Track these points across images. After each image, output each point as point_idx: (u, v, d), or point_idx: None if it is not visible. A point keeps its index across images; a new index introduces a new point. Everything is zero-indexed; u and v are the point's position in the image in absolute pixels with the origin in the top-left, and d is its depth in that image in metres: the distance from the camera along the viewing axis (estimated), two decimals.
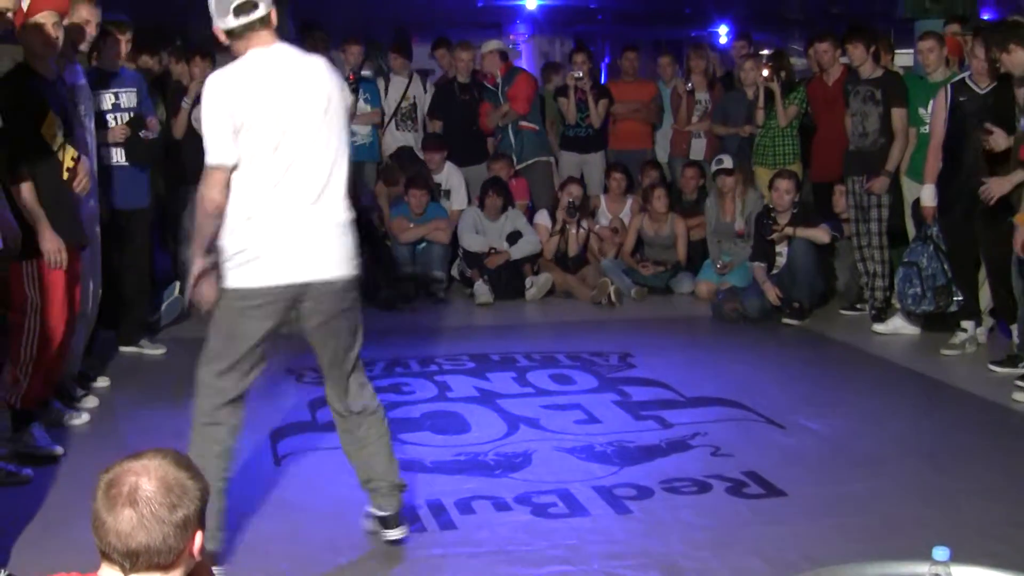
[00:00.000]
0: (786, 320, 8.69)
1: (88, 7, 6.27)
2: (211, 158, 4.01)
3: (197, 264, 4.16)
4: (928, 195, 7.82)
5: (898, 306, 8.27)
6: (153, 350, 7.75)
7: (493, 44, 11.03)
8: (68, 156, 5.59)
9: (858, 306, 8.98)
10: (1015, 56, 6.80)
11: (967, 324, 7.69)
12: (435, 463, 5.46)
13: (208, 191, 4.03)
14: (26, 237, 5.06)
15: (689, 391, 6.68)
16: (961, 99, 7.45)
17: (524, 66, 13.59)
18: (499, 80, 10.58)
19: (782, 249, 8.94)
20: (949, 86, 7.64)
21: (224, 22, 4.08)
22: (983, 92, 7.33)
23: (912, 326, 8.18)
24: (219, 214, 4.05)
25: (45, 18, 5.46)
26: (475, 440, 5.84)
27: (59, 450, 5.53)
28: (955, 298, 7.75)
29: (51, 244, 5.39)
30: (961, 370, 7.20)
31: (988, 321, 7.78)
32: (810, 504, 4.92)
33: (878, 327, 8.36)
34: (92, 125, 6.51)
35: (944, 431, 6.04)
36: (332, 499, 4.98)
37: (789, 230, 8.83)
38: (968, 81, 7.46)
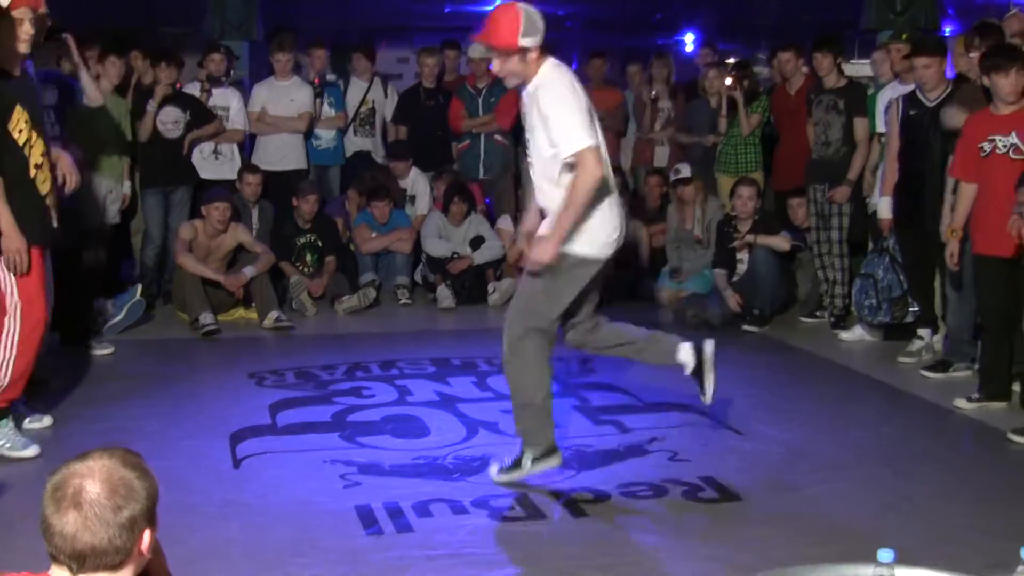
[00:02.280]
0: (746, 327, 8.76)
1: None
2: (585, 140, 4.80)
3: (558, 235, 4.83)
4: (884, 207, 7.90)
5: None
6: (102, 350, 7.74)
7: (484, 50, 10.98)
8: (37, 152, 5.46)
9: (818, 313, 9.06)
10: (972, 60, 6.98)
11: (923, 332, 7.80)
12: (393, 466, 5.48)
13: (593, 170, 4.80)
14: None
15: (648, 396, 6.71)
16: (912, 112, 7.54)
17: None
18: (479, 85, 10.57)
19: (743, 256, 9.01)
20: (901, 98, 7.73)
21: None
22: (932, 104, 7.40)
23: (875, 334, 8.26)
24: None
25: (23, 14, 5.41)
26: (434, 444, 5.86)
27: (33, 451, 5.48)
28: (911, 309, 7.86)
29: (13, 244, 5.30)
30: (917, 377, 7.27)
31: (943, 328, 7.86)
32: (765, 508, 4.96)
33: (843, 335, 8.44)
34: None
35: (901, 437, 6.10)
36: (291, 502, 4.99)
37: (750, 238, 8.90)
38: (918, 94, 7.53)
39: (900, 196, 7.68)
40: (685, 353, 5.33)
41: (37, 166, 5.50)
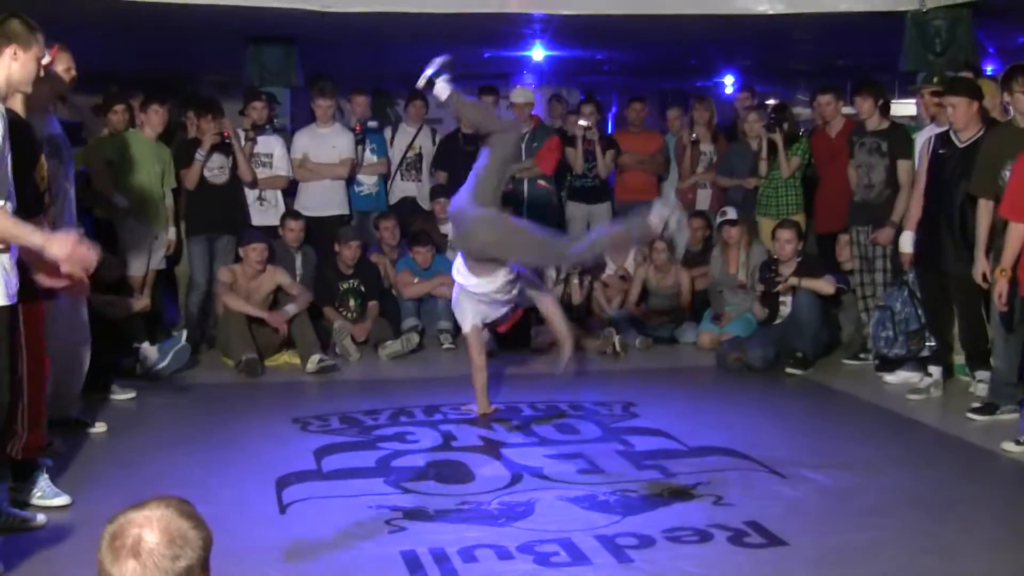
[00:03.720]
0: (789, 370, 8.73)
1: (67, 56, 6.11)
2: None
3: None
4: (907, 242, 8.00)
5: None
6: (123, 395, 7.76)
7: (529, 95, 11.01)
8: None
9: (861, 356, 9.02)
10: (1017, 99, 6.96)
11: (934, 369, 7.88)
12: (438, 511, 5.48)
13: None
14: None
15: (692, 441, 6.70)
16: (941, 151, 7.58)
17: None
18: (522, 130, 10.62)
19: (786, 299, 8.99)
20: (934, 137, 7.78)
21: None
22: (962, 146, 7.44)
23: (919, 374, 8.22)
24: None
25: (65, 62, 5.48)
26: (479, 489, 5.86)
27: (63, 500, 5.47)
28: (927, 344, 7.91)
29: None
30: (963, 419, 7.20)
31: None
32: (810, 554, 4.93)
33: (887, 377, 8.39)
34: (72, 172, 6.52)
35: (946, 482, 6.03)
36: (337, 547, 5.01)
37: (793, 280, 8.88)
38: (952, 134, 7.56)
39: (922, 234, 7.73)
40: None
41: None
